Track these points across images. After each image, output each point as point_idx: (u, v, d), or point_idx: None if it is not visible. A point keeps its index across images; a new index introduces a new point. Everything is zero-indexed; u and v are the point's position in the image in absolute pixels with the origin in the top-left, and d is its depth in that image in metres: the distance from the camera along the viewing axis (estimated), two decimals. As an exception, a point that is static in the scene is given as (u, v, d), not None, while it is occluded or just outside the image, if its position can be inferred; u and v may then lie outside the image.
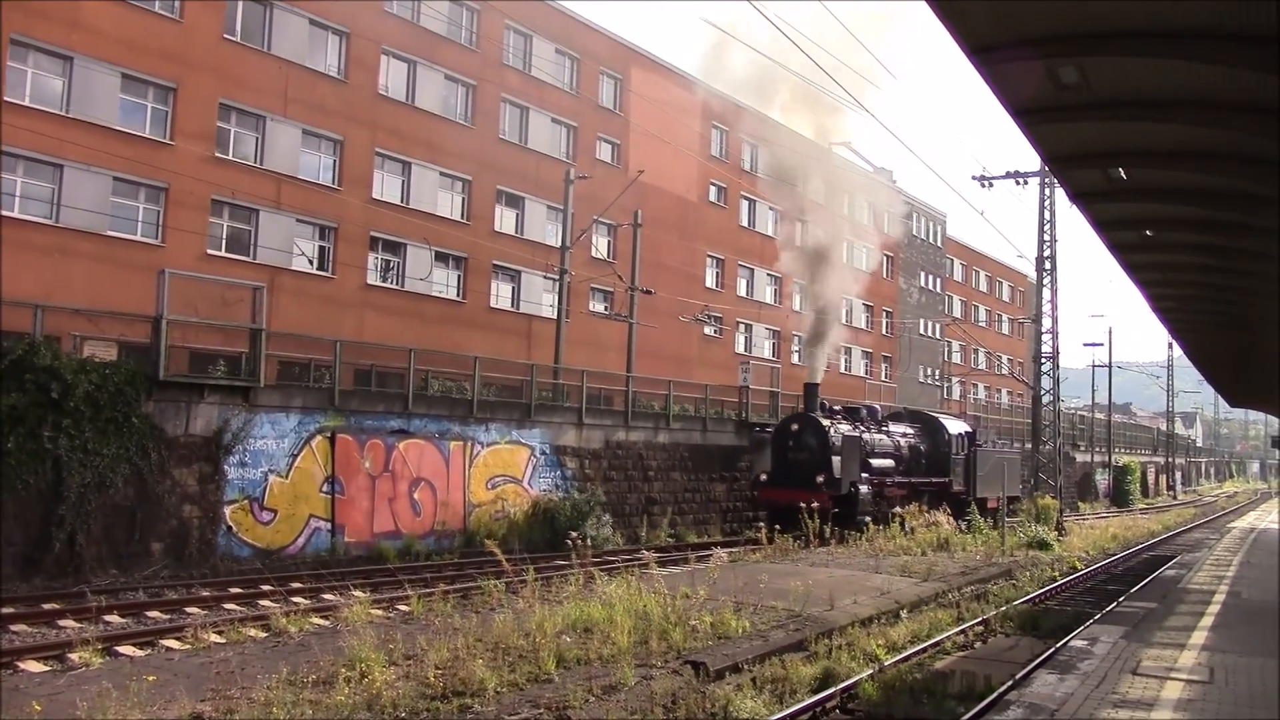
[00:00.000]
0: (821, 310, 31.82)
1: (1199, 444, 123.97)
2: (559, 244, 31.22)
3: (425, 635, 10.78)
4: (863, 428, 28.07)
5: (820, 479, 24.98)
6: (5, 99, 23.15)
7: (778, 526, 22.63)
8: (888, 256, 60.39)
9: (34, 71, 24.10)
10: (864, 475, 26.37)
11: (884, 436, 29.16)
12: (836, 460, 25.48)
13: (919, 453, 30.49)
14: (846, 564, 19.67)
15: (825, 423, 26.40)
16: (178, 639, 11.91)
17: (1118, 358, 67.23)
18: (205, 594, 15.23)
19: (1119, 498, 58.22)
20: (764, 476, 26.83)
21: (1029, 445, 37.77)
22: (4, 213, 23.33)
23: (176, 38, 26.56)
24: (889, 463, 28.52)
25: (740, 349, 46.95)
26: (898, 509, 26.54)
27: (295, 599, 15.17)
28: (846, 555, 21.37)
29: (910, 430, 30.93)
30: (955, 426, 32.43)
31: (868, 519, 25.27)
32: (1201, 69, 8.64)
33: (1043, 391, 34.28)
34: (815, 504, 22.49)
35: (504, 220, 35.80)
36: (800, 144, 33.30)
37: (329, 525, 20.53)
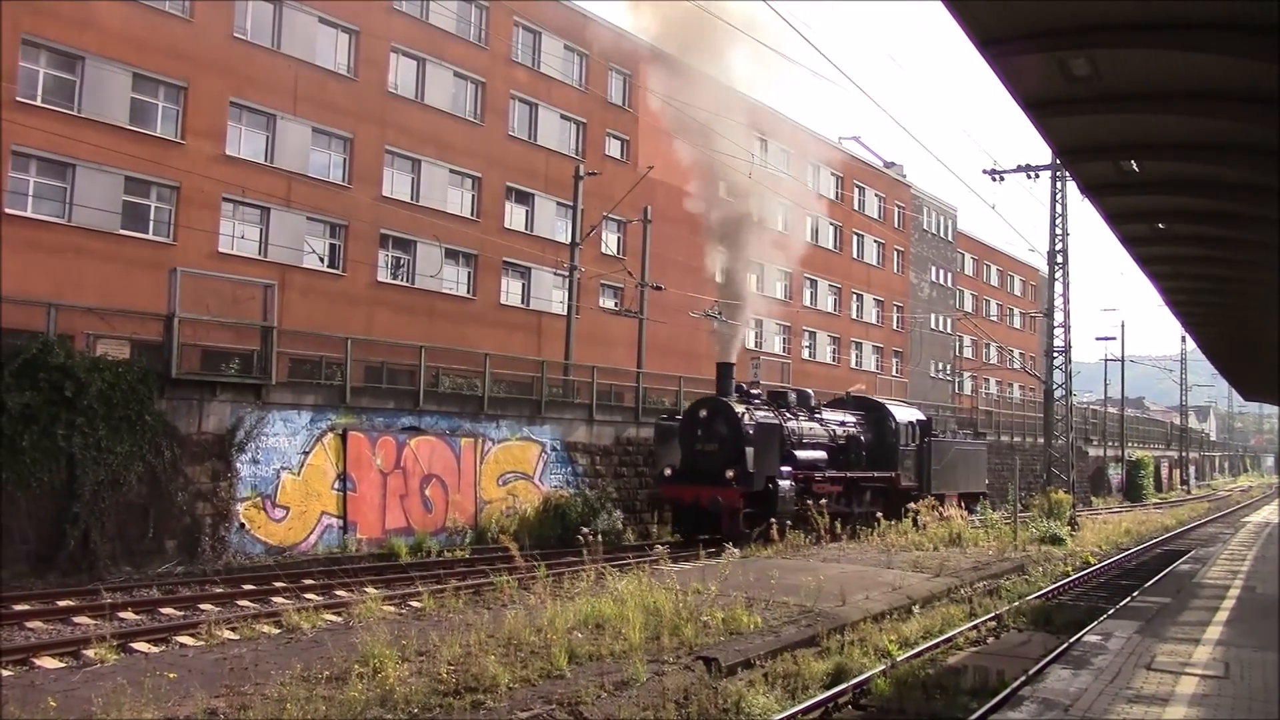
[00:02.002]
0: (734, 275, 27.75)
1: (1213, 438, 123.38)
2: (569, 240, 31.22)
3: (437, 631, 10.80)
4: (788, 415, 24.82)
5: (731, 473, 21.83)
6: (18, 99, 23.27)
7: (677, 534, 21.52)
8: (898, 251, 60.24)
9: (45, 71, 24.21)
10: (787, 469, 23.04)
11: (815, 425, 25.83)
12: (751, 451, 22.18)
13: (859, 443, 27.17)
14: (858, 559, 19.65)
15: (739, 408, 22.99)
16: (192, 635, 11.95)
17: (1130, 351, 66.99)
18: (219, 591, 15.29)
19: (1132, 492, 57.98)
20: (668, 471, 23.26)
21: (1038, 440, 37.65)
22: (17, 213, 23.46)
23: (186, 37, 26.65)
24: (819, 454, 25.11)
25: (751, 344, 46.88)
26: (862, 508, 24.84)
27: (308, 595, 15.23)
28: (858, 551, 21.34)
29: (851, 419, 27.73)
30: (904, 414, 29.36)
31: (788, 520, 22.21)
32: (1214, 60, 8.58)
33: (1055, 386, 34.13)
34: (723, 501, 21.18)
35: (514, 217, 35.84)
36: (725, 95, 27.48)
37: (341, 522, 20.60)
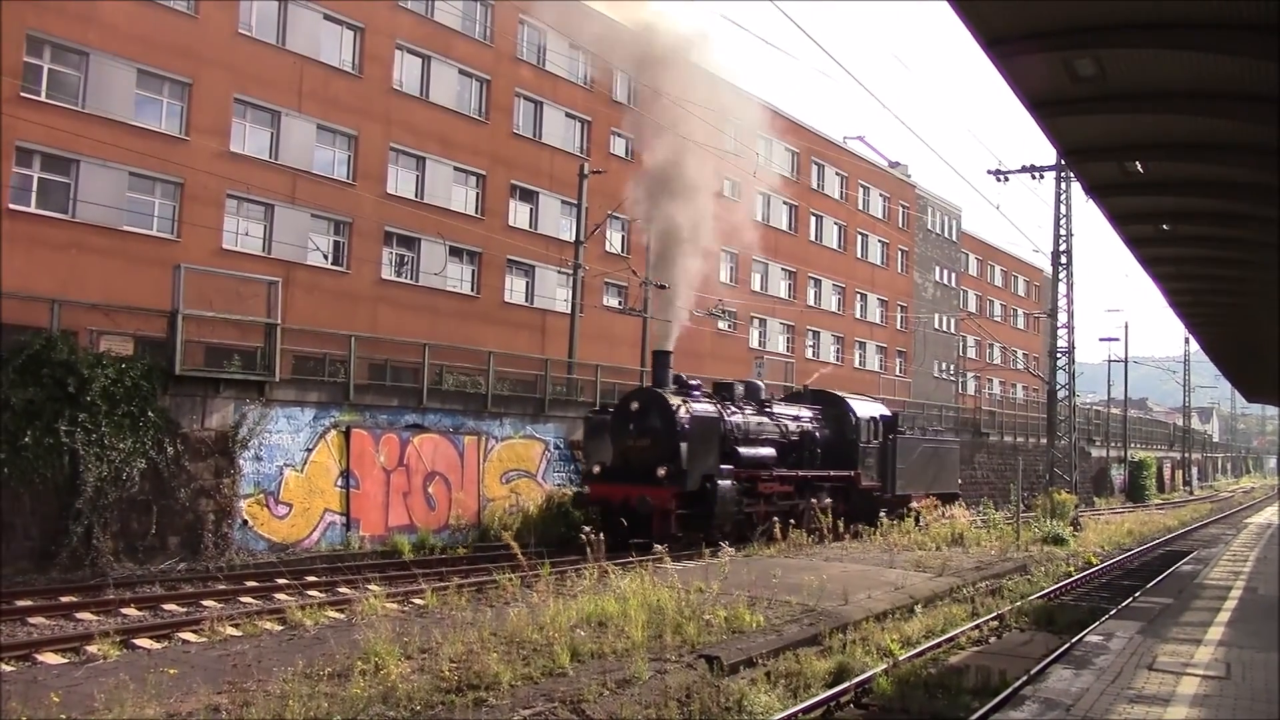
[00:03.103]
0: (671, 252, 24.56)
1: (1215, 439, 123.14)
2: (573, 239, 31.23)
3: (440, 629, 10.80)
4: (733, 408, 22.84)
5: (662, 471, 20.04)
6: (22, 94, 23.31)
7: (601, 535, 19.51)
8: (902, 251, 60.20)
9: (50, 67, 24.25)
10: (728, 467, 21.12)
11: (764, 419, 23.70)
12: (686, 447, 20.34)
13: (814, 440, 25.05)
14: (860, 559, 19.64)
15: (674, 400, 20.93)
16: (194, 632, 11.97)
17: (1134, 352, 66.93)
18: (221, 587, 15.32)
19: (1134, 493, 57.91)
20: (598, 469, 21.45)
21: (1041, 440, 37.64)
22: (21, 208, 23.51)
23: (191, 33, 26.69)
24: (767, 451, 23.03)
25: (754, 344, 46.89)
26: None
27: (311, 592, 15.25)
28: (860, 550, 21.33)
29: (807, 413, 25.58)
30: (867, 409, 27.22)
31: (728, 523, 20.79)
32: (1219, 60, 8.58)
33: (1058, 386, 34.10)
34: (653, 502, 19.57)
35: (518, 215, 35.85)
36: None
37: (344, 519, 20.62)
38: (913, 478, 27.83)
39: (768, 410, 24.27)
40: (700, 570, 15.21)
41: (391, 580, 16.33)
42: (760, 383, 25.65)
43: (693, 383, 22.43)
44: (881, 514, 24.75)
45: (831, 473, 25.06)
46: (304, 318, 25.70)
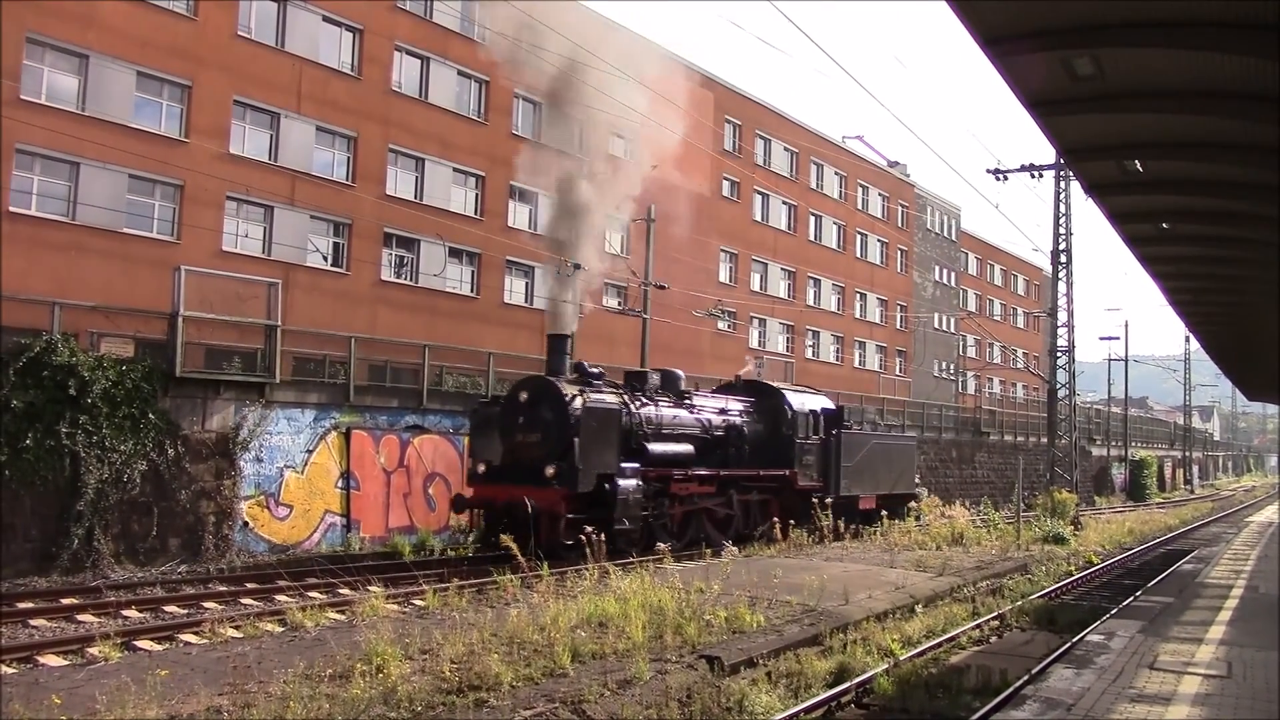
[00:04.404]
0: (571, 222, 22.08)
1: (1216, 438, 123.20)
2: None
3: (441, 630, 10.81)
4: (644, 399, 20.44)
5: (551, 470, 17.77)
6: (22, 97, 23.31)
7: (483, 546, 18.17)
8: (902, 251, 60.21)
9: (50, 70, 24.25)
10: (633, 465, 18.85)
11: (681, 412, 21.36)
12: (579, 443, 18.04)
13: (742, 435, 22.65)
14: (861, 558, 19.64)
15: (569, 390, 18.59)
16: (195, 634, 11.96)
17: (1134, 351, 66.93)
18: (222, 589, 15.31)
19: (1135, 492, 57.94)
20: (482, 468, 19.05)
21: (1042, 439, 37.65)
22: (21, 211, 23.51)
23: (190, 35, 26.69)
24: (683, 448, 20.75)
25: (754, 343, 46.89)
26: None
27: (311, 594, 15.25)
28: (861, 550, 21.33)
29: (736, 406, 23.37)
30: (805, 401, 24.71)
31: (633, 529, 18.47)
32: (1217, 59, 8.58)
33: (1058, 385, 34.11)
34: (536, 505, 17.13)
35: (517, 216, 35.85)
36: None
37: (344, 520, 20.64)
38: (860, 477, 25.37)
39: (687, 403, 21.95)
40: (701, 570, 15.22)
41: (392, 581, 16.33)
42: (679, 372, 22.97)
43: (594, 370, 20.16)
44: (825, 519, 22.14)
45: (762, 472, 22.73)
46: (304, 319, 25.70)
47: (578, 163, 21.41)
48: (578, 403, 18.31)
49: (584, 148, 21.51)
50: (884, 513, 25.69)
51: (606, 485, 18.14)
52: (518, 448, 18.54)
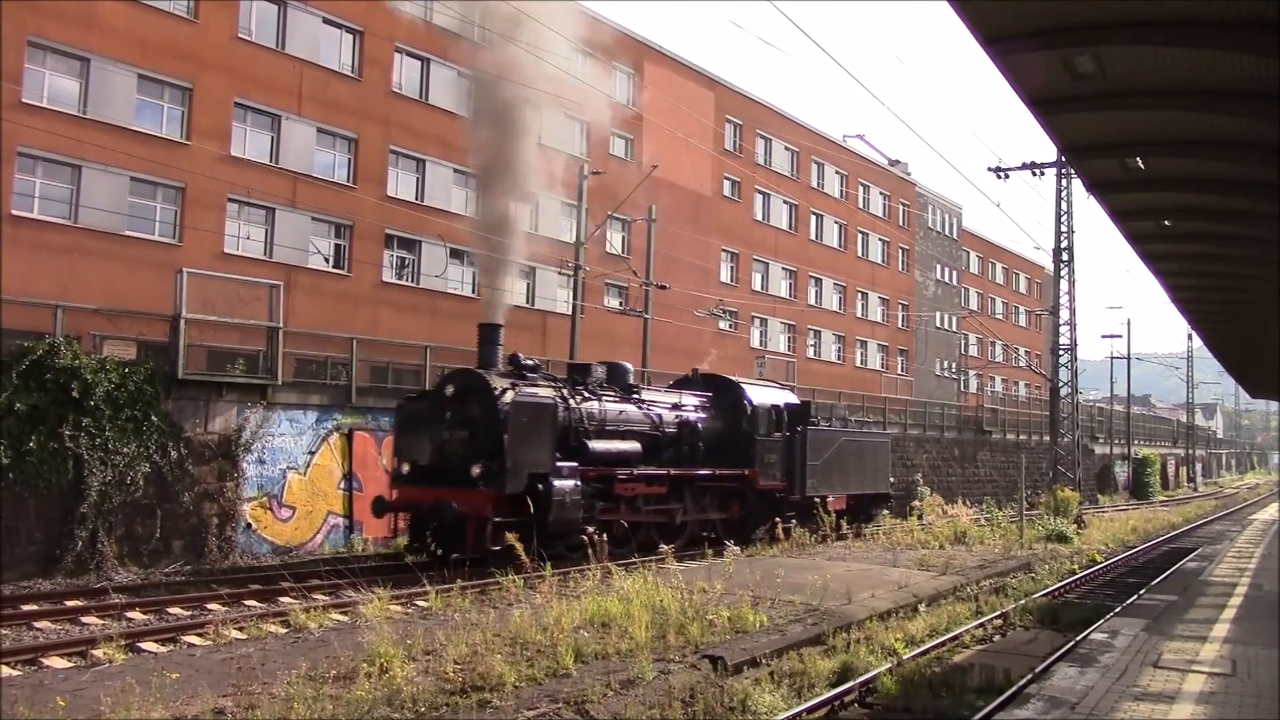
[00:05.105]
0: (498, 202, 20.20)
1: (1219, 435, 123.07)
2: (573, 240, 31.23)
3: (444, 630, 10.82)
4: (585, 394, 19.07)
5: (476, 470, 16.33)
6: (24, 100, 23.35)
7: (412, 553, 17.25)
8: (903, 250, 60.19)
9: (51, 73, 24.28)
10: (571, 464, 17.43)
11: (628, 407, 19.96)
12: (508, 441, 16.55)
13: (696, 432, 21.23)
14: (864, 558, 19.64)
15: (499, 384, 17.20)
16: (199, 635, 11.97)
17: (1136, 349, 66.85)
18: (225, 591, 15.31)
19: (1138, 490, 57.88)
20: (406, 468, 17.67)
21: (1044, 438, 37.62)
22: (23, 214, 23.55)
23: (191, 38, 26.73)
24: (628, 446, 19.33)
25: (755, 343, 46.89)
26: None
27: (315, 595, 15.25)
28: (864, 549, 21.33)
29: (692, 401, 21.93)
30: (765, 396, 23.29)
31: (571, 533, 17.02)
32: (1218, 57, 8.59)
33: (1061, 384, 34.09)
34: (460, 509, 15.87)
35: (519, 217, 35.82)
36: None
37: (347, 522, 20.64)
38: (827, 477, 24.02)
39: (635, 397, 20.48)
40: (704, 570, 15.22)
41: (395, 582, 16.34)
42: (628, 365, 21.70)
43: (530, 362, 19.04)
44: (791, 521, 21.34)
45: (718, 471, 21.37)
46: (305, 321, 25.73)
47: (504, 137, 19.76)
48: (508, 397, 16.94)
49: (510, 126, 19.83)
50: (862, 518, 25.07)
51: (540, 486, 16.73)
52: (446, 445, 17.15)
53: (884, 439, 28.78)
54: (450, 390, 17.40)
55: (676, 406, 21.43)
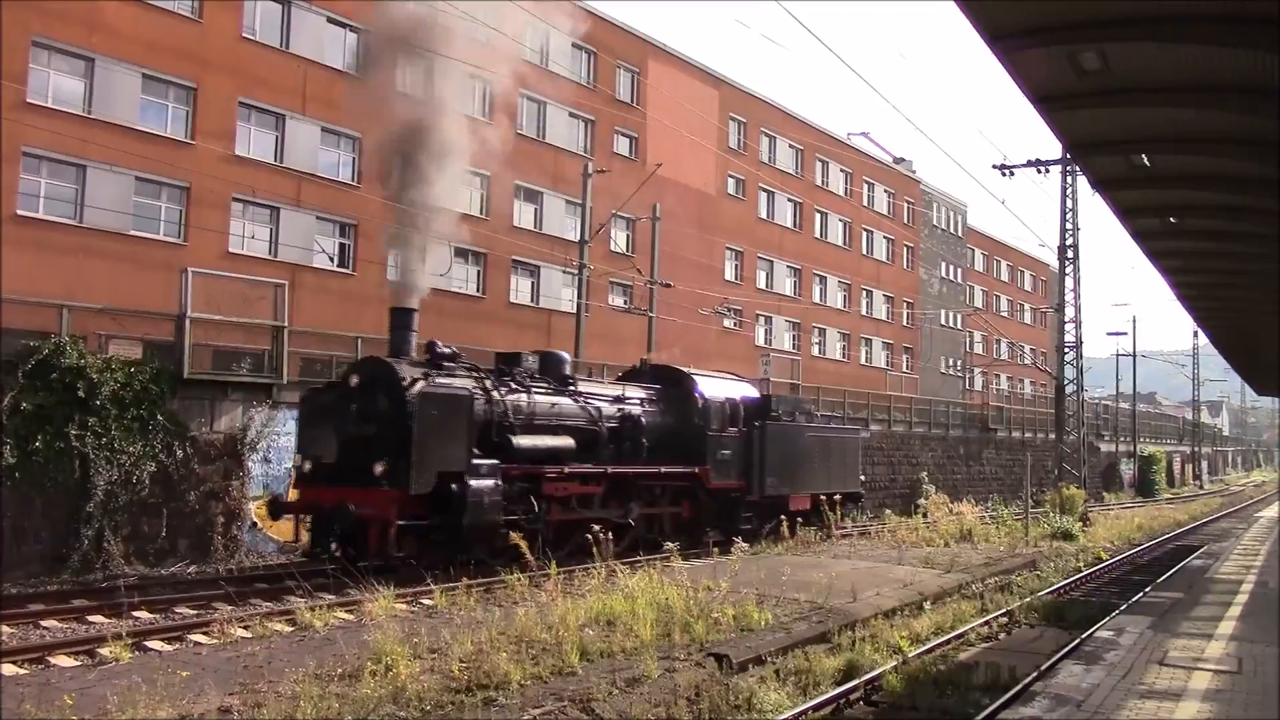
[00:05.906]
0: (415, 172, 18.36)
1: (1225, 433, 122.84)
2: (578, 238, 31.24)
3: (449, 629, 10.83)
4: (514, 385, 17.48)
5: (379, 469, 14.81)
6: (28, 100, 23.41)
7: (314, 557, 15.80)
8: (908, 247, 60.11)
9: (55, 73, 24.34)
10: (490, 462, 15.87)
11: (562, 400, 18.31)
12: (417, 436, 15.02)
13: (639, 427, 19.48)
14: (869, 556, 19.63)
15: (408, 374, 15.74)
16: (205, 634, 11.99)
17: (1142, 346, 66.62)
18: (232, 589, 15.34)
19: (1144, 488, 57.77)
20: (308, 466, 16.10)
21: (1050, 435, 37.56)
22: (29, 214, 23.60)
23: (195, 38, 26.78)
24: (560, 441, 17.65)
25: (760, 341, 46.88)
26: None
27: (320, 594, 15.27)
28: (869, 547, 21.31)
29: (635, 393, 20.24)
30: (721, 389, 21.52)
31: (488, 537, 15.61)
32: (1223, 53, 8.57)
33: (1066, 381, 34.03)
34: (358, 511, 14.55)
35: (523, 215, 35.88)
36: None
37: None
38: (790, 475, 22.29)
39: (571, 389, 18.87)
40: (709, 568, 15.21)
41: (401, 581, 16.35)
42: (565, 355, 20.26)
43: (448, 350, 17.46)
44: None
45: (664, 469, 19.66)
46: (310, 320, 25.76)
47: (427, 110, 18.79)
48: (417, 388, 15.51)
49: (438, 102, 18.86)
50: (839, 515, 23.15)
51: (454, 486, 15.19)
52: (351, 441, 15.52)
53: (854, 435, 26.96)
54: (355, 381, 15.85)
55: (619, 399, 19.74)
